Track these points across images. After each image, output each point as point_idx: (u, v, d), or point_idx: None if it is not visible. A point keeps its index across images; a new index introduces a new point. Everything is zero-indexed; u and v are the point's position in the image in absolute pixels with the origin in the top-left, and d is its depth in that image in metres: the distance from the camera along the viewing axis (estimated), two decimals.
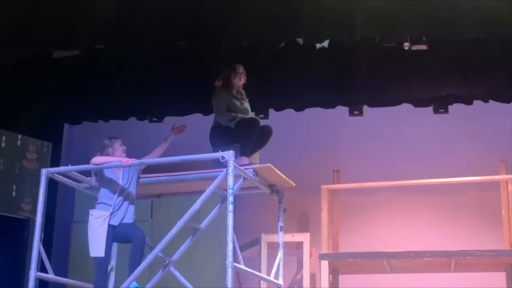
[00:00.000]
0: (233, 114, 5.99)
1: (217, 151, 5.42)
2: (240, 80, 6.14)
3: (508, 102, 7.56)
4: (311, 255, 7.58)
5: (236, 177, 5.35)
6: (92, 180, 5.92)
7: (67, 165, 6.03)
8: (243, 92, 6.22)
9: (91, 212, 5.65)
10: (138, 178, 5.87)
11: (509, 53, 7.07)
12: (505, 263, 6.85)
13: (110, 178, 5.75)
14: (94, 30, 6.60)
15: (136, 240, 5.55)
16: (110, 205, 5.63)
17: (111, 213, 5.58)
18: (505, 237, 6.88)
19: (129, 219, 5.68)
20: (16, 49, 6.79)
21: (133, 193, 5.79)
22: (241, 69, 6.14)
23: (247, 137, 5.90)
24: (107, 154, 5.78)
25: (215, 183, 5.35)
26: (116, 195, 5.67)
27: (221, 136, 5.93)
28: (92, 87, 7.87)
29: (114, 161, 5.69)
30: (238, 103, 6.10)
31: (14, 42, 6.61)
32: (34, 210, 6.38)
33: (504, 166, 7.07)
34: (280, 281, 6.04)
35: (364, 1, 6.24)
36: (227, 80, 6.13)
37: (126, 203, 5.70)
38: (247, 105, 6.22)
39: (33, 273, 5.55)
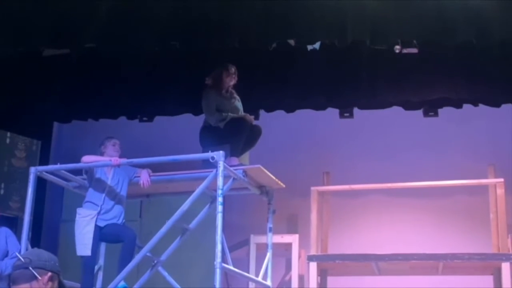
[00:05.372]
0: (223, 114, 5.99)
1: (207, 152, 5.42)
2: (231, 81, 6.15)
3: (497, 106, 7.59)
4: (299, 256, 7.58)
5: (226, 177, 5.35)
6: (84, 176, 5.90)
7: (56, 163, 6.01)
8: (233, 91, 6.22)
9: (78, 210, 5.64)
10: (129, 183, 5.85)
11: (499, 57, 7.10)
12: (492, 266, 6.87)
13: (100, 178, 5.74)
14: (85, 29, 6.58)
15: (127, 239, 5.54)
16: (98, 205, 5.62)
17: (98, 213, 5.57)
18: (493, 240, 6.91)
19: (116, 219, 5.67)
20: (6, 47, 6.75)
21: (123, 195, 5.77)
22: (233, 69, 6.14)
23: (236, 137, 5.90)
24: (100, 153, 5.79)
25: (205, 183, 5.35)
26: (104, 195, 5.66)
27: (211, 137, 5.93)
28: (82, 85, 7.84)
29: (104, 161, 5.68)
30: (228, 102, 6.11)
31: (4, 40, 6.58)
32: (22, 209, 6.35)
33: (493, 170, 7.09)
34: (269, 282, 6.04)
35: (356, 3, 6.25)
36: (218, 79, 6.12)
37: (114, 203, 5.69)
38: (238, 103, 6.22)
39: None
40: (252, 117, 6.22)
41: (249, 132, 6.06)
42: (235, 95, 6.23)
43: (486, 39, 6.37)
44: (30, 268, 2.72)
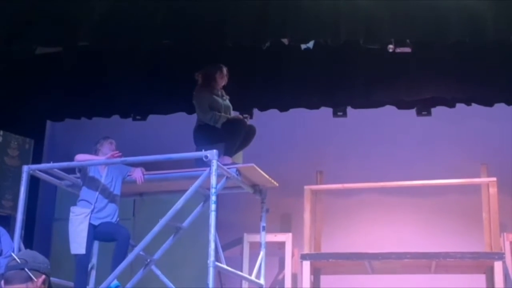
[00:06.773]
0: (217, 113, 5.99)
1: (201, 150, 5.41)
2: (223, 82, 6.18)
3: (490, 105, 7.61)
4: (293, 255, 7.59)
5: (219, 176, 5.34)
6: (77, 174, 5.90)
7: (49, 162, 6.00)
8: (222, 90, 6.25)
9: (72, 209, 5.63)
10: (123, 181, 5.85)
11: (492, 57, 7.13)
12: (485, 265, 6.90)
13: (93, 176, 5.73)
14: (79, 27, 6.56)
15: (120, 238, 5.54)
16: (91, 203, 5.61)
17: (92, 211, 5.56)
18: (485, 239, 6.94)
19: (110, 218, 5.66)
20: None
21: (116, 194, 5.77)
22: (225, 71, 6.17)
23: (233, 138, 5.91)
24: (95, 152, 5.80)
25: (198, 182, 5.34)
26: (97, 193, 5.65)
27: (207, 136, 5.92)
28: (75, 84, 7.83)
29: (98, 159, 5.68)
30: (220, 100, 6.11)
31: None
32: (15, 207, 6.33)
33: (485, 169, 7.12)
34: (262, 281, 6.05)
35: (349, 3, 6.26)
36: (211, 79, 6.13)
37: (107, 202, 5.68)
38: (228, 102, 6.24)
39: None
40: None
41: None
42: (225, 94, 6.26)
43: (479, 39, 6.38)
44: (26, 269, 2.72)
